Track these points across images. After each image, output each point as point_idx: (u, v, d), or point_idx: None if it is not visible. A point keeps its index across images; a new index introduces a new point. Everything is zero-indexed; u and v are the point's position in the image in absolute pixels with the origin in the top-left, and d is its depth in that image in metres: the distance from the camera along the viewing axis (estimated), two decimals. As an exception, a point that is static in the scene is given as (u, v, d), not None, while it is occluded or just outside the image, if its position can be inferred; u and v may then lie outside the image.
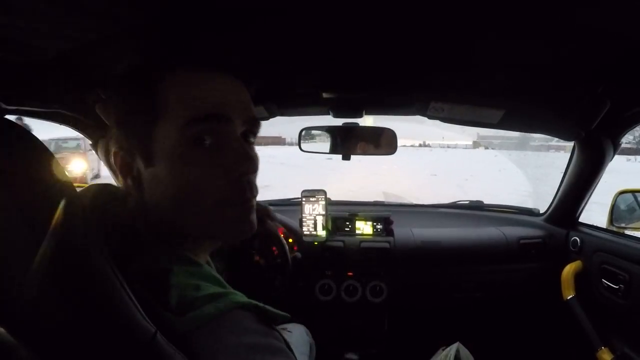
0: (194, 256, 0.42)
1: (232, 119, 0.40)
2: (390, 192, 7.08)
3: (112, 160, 0.43)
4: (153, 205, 0.40)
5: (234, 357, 0.32)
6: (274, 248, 1.18)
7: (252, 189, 0.42)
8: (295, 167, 11.28)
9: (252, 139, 0.44)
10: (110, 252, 0.31)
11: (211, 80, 0.40)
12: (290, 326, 1.02)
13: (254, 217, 0.43)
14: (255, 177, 0.43)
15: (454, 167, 13.82)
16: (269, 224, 0.85)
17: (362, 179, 9.32)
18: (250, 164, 0.40)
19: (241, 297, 0.37)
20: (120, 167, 0.41)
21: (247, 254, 1.06)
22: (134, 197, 0.41)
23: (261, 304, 0.38)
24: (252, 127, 0.43)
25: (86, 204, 0.37)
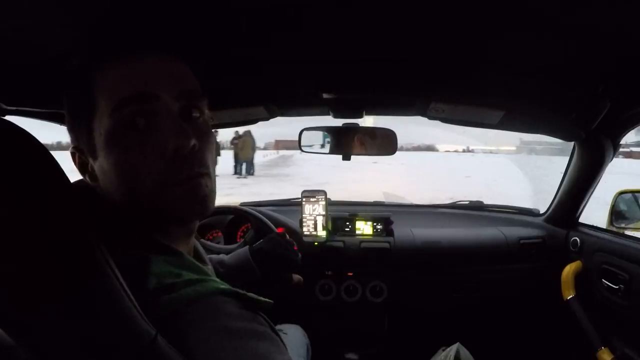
0: (174, 245, 0.41)
1: (161, 96, 0.39)
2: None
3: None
4: (109, 198, 0.41)
5: (218, 341, 0.32)
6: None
7: (194, 165, 0.40)
8: (347, 168, 12.79)
9: (196, 114, 0.42)
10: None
11: (135, 62, 0.39)
12: (286, 327, 1.02)
13: (203, 192, 0.40)
14: (201, 151, 0.41)
15: (487, 169, 15.21)
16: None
17: (405, 177, 11.47)
18: (182, 138, 0.38)
19: (221, 284, 0.37)
20: (78, 166, 0.43)
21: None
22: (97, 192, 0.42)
23: (242, 291, 0.37)
24: (192, 101, 0.41)
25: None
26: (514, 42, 0.66)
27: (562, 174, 1.24)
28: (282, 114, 1.11)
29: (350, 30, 0.62)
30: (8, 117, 0.74)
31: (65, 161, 0.36)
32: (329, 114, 1.09)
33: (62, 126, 0.92)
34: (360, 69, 0.81)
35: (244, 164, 10.60)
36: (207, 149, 0.42)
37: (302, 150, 1.18)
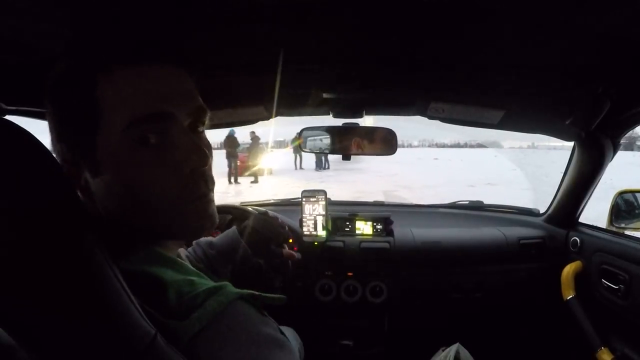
0: (169, 254, 0.42)
1: (175, 114, 0.38)
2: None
3: None
4: (108, 214, 0.38)
5: (247, 352, 0.33)
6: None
7: (207, 182, 0.40)
8: (410, 164, 14.98)
9: (200, 129, 0.42)
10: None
11: (150, 74, 0.37)
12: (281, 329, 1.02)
13: (213, 210, 0.42)
14: (210, 169, 0.41)
15: (535, 163, 16.86)
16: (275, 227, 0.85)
17: (458, 169, 13.56)
18: (200, 156, 0.38)
19: (235, 288, 0.37)
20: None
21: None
22: (89, 207, 0.39)
23: (256, 292, 0.38)
24: (200, 117, 0.41)
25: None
26: (514, 42, 0.66)
27: (562, 174, 1.24)
28: (282, 114, 1.11)
29: (351, 30, 0.62)
30: (8, 117, 0.74)
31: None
32: (329, 114, 1.09)
33: None
34: (360, 69, 0.81)
35: (322, 160, 12.42)
36: (211, 164, 0.42)
37: (302, 150, 1.18)
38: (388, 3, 0.53)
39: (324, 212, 1.24)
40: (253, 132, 9.69)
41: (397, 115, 1.17)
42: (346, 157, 1.12)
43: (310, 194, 1.26)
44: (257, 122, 1.10)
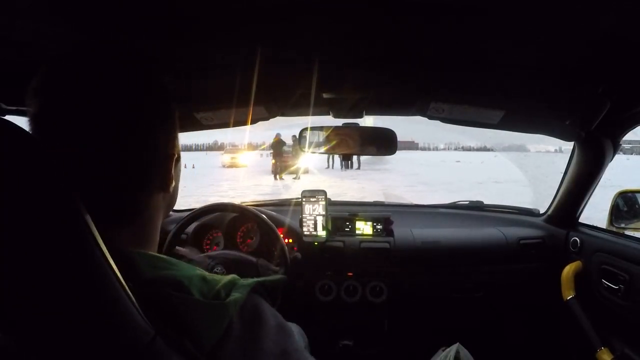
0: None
1: None
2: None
3: None
4: None
5: (277, 339, 0.34)
6: (274, 248, 1.18)
7: None
8: (431, 165, 16.49)
9: None
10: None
11: None
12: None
13: None
14: None
15: (549, 164, 17.57)
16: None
17: (474, 170, 14.72)
18: None
19: (244, 280, 0.39)
20: None
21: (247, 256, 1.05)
22: None
23: (261, 279, 0.40)
24: None
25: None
26: (514, 42, 0.66)
27: (562, 174, 1.24)
28: (282, 114, 1.11)
29: (350, 30, 0.62)
30: (8, 117, 0.74)
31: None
32: (329, 114, 1.09)
33: None
34: (360, 68, 0.81)
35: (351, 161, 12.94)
36: None
37: (302, 150, 1.18)
38: (388, 3, 0.53)
39: (324, 212, 1.24)
40: (294, 136, 10.58)
41: (397, 115, 1.17)
42: (346, 157, 1.12)
43: (310, 194, 1.26)
44: (257, 122, 1.10)
